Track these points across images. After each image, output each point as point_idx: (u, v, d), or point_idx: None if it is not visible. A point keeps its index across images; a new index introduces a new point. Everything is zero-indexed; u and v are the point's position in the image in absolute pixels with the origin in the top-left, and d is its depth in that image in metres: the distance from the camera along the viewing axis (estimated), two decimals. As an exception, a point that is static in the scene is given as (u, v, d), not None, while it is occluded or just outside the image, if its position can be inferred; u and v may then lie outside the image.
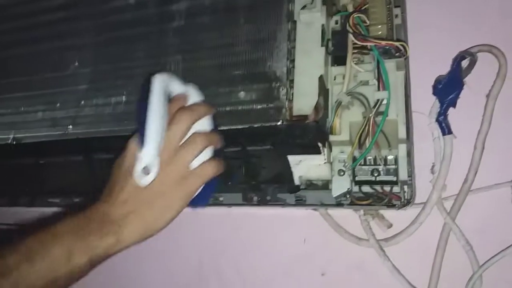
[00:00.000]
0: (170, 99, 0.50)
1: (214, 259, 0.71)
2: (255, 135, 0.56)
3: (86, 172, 0.66)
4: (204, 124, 0.50)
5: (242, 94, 0.58)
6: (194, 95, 0.51)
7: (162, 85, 0.48)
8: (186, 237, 0.73)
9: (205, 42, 0.61)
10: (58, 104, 0.66)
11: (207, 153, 0.49)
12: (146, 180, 0.46)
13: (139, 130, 0.46)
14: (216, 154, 0.51)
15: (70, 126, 0.64)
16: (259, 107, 0.56)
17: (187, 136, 0.48)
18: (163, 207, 0.47)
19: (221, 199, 0.65)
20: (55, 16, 0.73)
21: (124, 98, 0.63)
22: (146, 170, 0.45)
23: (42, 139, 0.65)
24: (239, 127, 0.56)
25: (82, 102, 0.65)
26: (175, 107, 0.49)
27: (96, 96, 0.65)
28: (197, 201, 0.49)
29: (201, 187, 0.49)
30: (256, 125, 0.55)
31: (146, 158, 0.45)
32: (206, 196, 0.50)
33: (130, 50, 0.65)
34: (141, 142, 0.46)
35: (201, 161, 0.48)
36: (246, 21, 0.59)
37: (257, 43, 0.58)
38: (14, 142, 0.68)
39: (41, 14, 0.74)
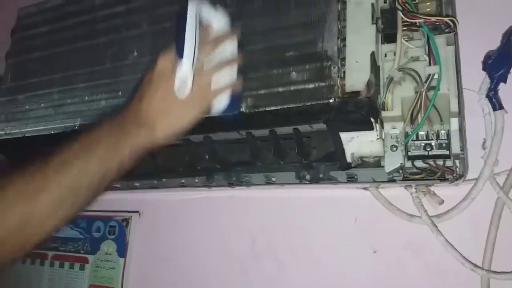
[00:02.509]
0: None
1: (267, 238, 0.73)
2: (308, 113, 0.58)
3: (147, 156, 0.70)
4: (228, 45, 0.57)
5: (294, 74, 0.60)
6: (222, 20, 0.58)
7: (196, 9, 0.55)
8: (239, 218, 0.76)
9: (257, 26, 0.64)
10: (120, 93, 0.71)
11: (228, 72, 0.57)
12: (184, 92, 0.53)
13: (177, 48, 0.53)
14: (241, 70, 0.58)
15: (132, 112, 0.68)
16: (311, 86, 0.58)
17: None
18: (187, 111, 0.55)
19: (273, 179, 0.68)
20: (113, 10, 0.78)
21: (182, 83, 0.66)
22: (183, 83, 0.53)
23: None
24: (292, 106, 0.58)
25: (143, 89, 0.69)
26: (205, 32, 0.56)
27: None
28: (226, 112, 0.58)
29: (227, 99, 0.57)
30: (308, 104, 0.57)
31: (183, 72, 0.53)
32: (231, 108, 0.58)
33: (186, 38, 0.68)
34: (179, 57, 0.53)
35: (223, 78, 0.56)
36: (296, 5, 0.61)
37: (307, 25, 0.60)
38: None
39: (99, 9, 0.79)
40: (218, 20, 0.57)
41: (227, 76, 0.56)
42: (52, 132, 0.76)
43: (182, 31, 0.53)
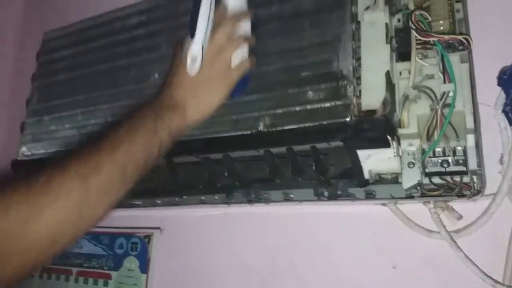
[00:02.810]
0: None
1: (286, 254, 0.74)
2: (325, 131, 0.59)
3: (168, 175, 0.72)
4: (243, 26, 0.61)
5: (310, 94, 0.61)
6: (238, 3, 0.61)
7: None
8: (259, 235, 0.77)
9: (273, 47, 0.65)
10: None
11: (244, 50, 0.61)
12: (194, 68, 0.57)
13: (190, 29, 0.57)
14: (251, 52, 0.62)
15: (154, 132, 0.71)
16: (327, 105, 0.59)
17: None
18: (213, 92, 0.59)
19: (291, 195, 0.69)
20: (133, 33, 0.81)
21: (201, 104, 0.68)
22: (193, 61, 0.56)
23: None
24: (309, 125, 0.60)
25: (164, 110, 0.71)
26: (220, 14, 0.59)
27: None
28: (235, 92, 0.61)
29: (240, 79, 0.61)
30: (325, 122, 0.59)
31: (194, 51, 0.56)
32: (242, 87, 0.62)
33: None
34: (191, 37, 0.56)
35: (240, 57, 0.60)
36: (311, 25, 0.63)
37: (322, 45, 0.61)
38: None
39: (120, 33, 0.82)
40: (232, 3, 0.60)
41: (243, 56, 0.60)
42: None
43: (196, 11, 0.56)
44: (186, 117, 0.58)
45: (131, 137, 0.52)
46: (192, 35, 0.56)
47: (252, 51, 0.62)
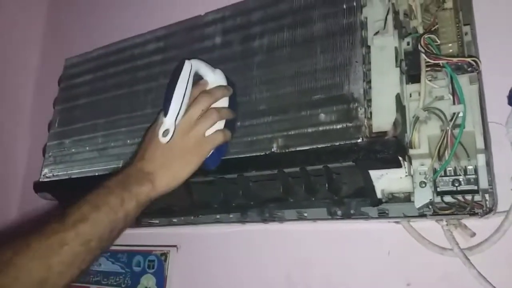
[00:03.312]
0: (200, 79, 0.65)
1: (301, 271, 0.74)
2: (337, 152, 0.60)
3: (184, 194, 0.74)
4: (222, 102, 0.64)
5: (322, 116, 0.63)
6: (219, 79, 0.65)
7: (190, 69, 0.62)
8: (273, 252, 0.78)
9: (286, 71, 0.68)
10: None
11: (220, 124, 0.63)
12: (165, 139, 0.60)
13: (165, 103, 0.60)
14: (229, 126, 0.65)
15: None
16: (339, 127, 0.61)
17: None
18: (183, 163, 0.61)
19: (305, 214, 0.70)
20: (151, 59, 0.84)
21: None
22: (165, 133, 0.60)
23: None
24: (322, 146, 0.61)
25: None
26: (200, 90, 0.63)
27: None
28: (210, 162, 0.64)
29: (212, 151, 0.63)
30: (337, 143, 0.60)
31: (166, 123, 0.60)
32: (217, 158, 0.65)
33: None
34: (165, 112, 0.60)
35: (214, 129, 0.63)
36: (322, 50, 0.65)
37: (334, 69, 0.64)
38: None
39: (138, 58, 0.86)
40: (214, 78, 0.64)
41: (218, 129, 0.63)
42: (96, 174, 0.81)
43: (171, 89, 0.60)
44: (155, 188, 0.60)
45: (95, 213, 0.54)
46: (166, 112, 0.60)
47: (229, 124, 0.65)
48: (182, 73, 0.61)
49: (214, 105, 0.64)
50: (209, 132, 0.62)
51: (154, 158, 0.60)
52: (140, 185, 0.58)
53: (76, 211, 0.54)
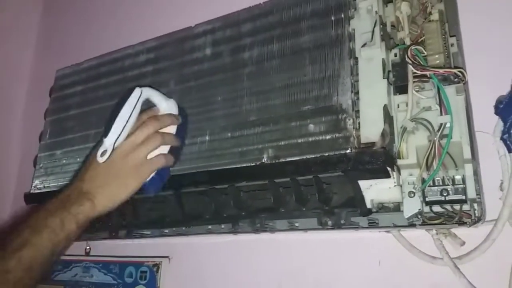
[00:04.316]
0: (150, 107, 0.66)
1: (293, 280, 0.75)
2: (326, 163, 0.61)
3: (176, 205, 0.74)
4: (169, 129, 0.66)
5: (311, 126, 0.63)
6: (171, 108, 0.67)
7: (140, 95, 0.63)
8: (265, 261, 0.78)
9: (275, 83, 0.68)
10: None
11: (163, 149, 0.64)
12: (102, 160, 0.61)
13: (107, 124, 0.62)
14: (174, 153, 0.66)
15: (162, 165, 0.73)
16: (328, 137, 0.62)
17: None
18: (121, 185, 0.62)
19: (296, 224, 0.70)
20: (142, 70, 0.84)
21: (207, 137, 0.72)
22: (103, 153, 0.61)
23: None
24: (311, 156, 0.62)
25: (171, 144, 0.74)
26: (149, 115, 0.65)
27: (183, 137, 0.73)
28: (149, 186, 0.64)
29: (153, 175, 0.64)
30: (326, 154, 0.61)
31: (105, 144, 0.61)
32: (157, 183, 0.65)
33: (210, 95, 0.74)
34: (105, 133, 0.62)
35: (157, 153, 0.63)
36: (311, 61, 0.66)
37: (322, 80, 0.64)
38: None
39: (129, 69, 0.86)
40: (166, 107, 0.66)
41: (161, 154, 0.64)
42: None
43: (117, 111, 0.62)
44: (95, 207, 0.61)
45: (36, 238, 0.56)
46: (105, 133, 0.62)
47: (174, 151, 0.66)
48: (130, 98, 0.62)
49: (161, 132, 0.65)
50: (151, 156, 0.63)
51: (92, 178, 0.62)
52: (79, 205, 0.60)
53: (18, 237, 0.55)
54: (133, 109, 0.62)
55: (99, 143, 0.63)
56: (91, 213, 0.60)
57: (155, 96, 0.66)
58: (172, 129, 0.66)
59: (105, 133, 0.62)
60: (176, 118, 0.67)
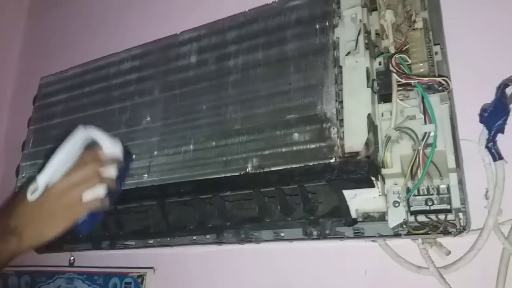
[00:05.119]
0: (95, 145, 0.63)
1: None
2: (311, 172, 0.60)
3: (159, 216, 0.73)
4: (107, 171, 0.62)
5: (296, 136, 0.63)
6: (114, 149, 0.64)
7: (83, 135, 0.62)
8: (250, 271, 0.77)
9: (260, 91, 0.68)
10: (133, 156, 0.74)
11: (100, 191, 0.61)
12: (31, 198, 0.59)
13: (45, 162, 0.60)
14: (110, 196, 0.63)
15: (145, 175, 0.73)
16: (312, 146, 0.61)
17: None
18: (51, 223, 0.60)
19: (282, 234, 0.69)
20: (126, 78, 0.83)
21: (191, 146, 0.71)
22: (34, 191, 0.59)
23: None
24: (295, 166, 0.61)
25: (155, 153, 0.73)
26: (91, 156, 0.62)
27: (167, 146, 0.73)
28: (80, 227, 0.62)
29: (86, 216, 0.61)
30: (311, 163, 0.60)
31: (37, 182, 0.59)
32: (88, 225, 0.63)
33: (195, 103, 0.73)
34: (40, 170, 0.59)
35: (93, 195, 0.60)
36: (296, 70, 0.65)
37: (307, 88, 0.64)
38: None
39: (114, 77, 0.85)
40: (110, 147, 0.64)
41: (97, 195, 0.61)
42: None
43: (56, 149, 0.60)
44: (22, 243, 0.59)
45: None
46: (41, 169, 0.60)
47: (111, 195, 0.64)
48: (74, 136, 0.61)
49: (101, 173, 0.63)
50: (88, 197, 0.61)
51: (20, 215, 0.60)
52: (5, 241, 0.58)
53: None
54: (74, 148, 0.61)
55: (32, 178, 0.61)
56: (18, 249, 0.58)
57: (100, 136, 0.64)
58: (112, 171, 0.63)
59: (40, 170, 0.60)
60: (118, 161, 0.65)
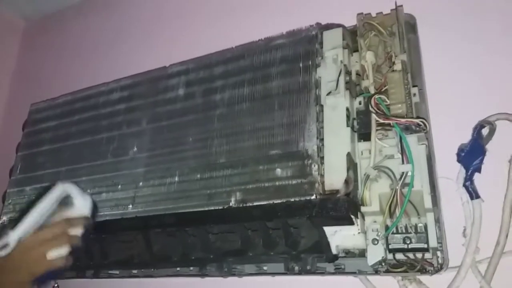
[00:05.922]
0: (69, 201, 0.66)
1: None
2: (292, 208, 0.61)
3: (143, 246, 0.73)
4: (74, 230, 0.65)
5: (278, 171, 0.64)
6: (85, 205, 0.66)
7: (60, 192, 0.64)
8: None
9: (245, 126, 0.69)
10: (119, 186, 0.76)
11: (64, 250, 0.63)
12: (1, 253, 0.61)
13: (20, 217, 0.63)
14: (74, 252, 0.65)
15: (130, 206, 0.73)
16: (294, 182, 0.62)
17: None
18: (15, 276, 0.62)
19: (265, 268, 0.70)
20: (115, 108, 0.85)
21: (176, 178, 0.72)
22: (5, 247, 0.61)
23: (106, 218, 0.74)
24: (278, 201, 0.62)
25: (140, 184, 0.74)
26: (63, 216, 0.64)
27: (152, 177, 0.74)
28: (39, 281, 0.64)
29: (47, 271, 0.63)
30: (292, 199, 0.61)
31: (9, 238, 0.61)
32: (46, 280, 0.65)
33: (181, 135, 0.75)
34: (13, 226, 0.62)
35: (57, 253, 0.63)
36: (280, 107, 0.67)
37: (290, 125, 0.65)
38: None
39: (103, 107, 0.86)
40: (82, 203, 0.66)
41: (61, 254, 0.63)
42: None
43: (29, 208, 0.63)
44: None
45: None
46: (14, 226, 0.62)
47: (74, 252, 0.66)
48: (50, 194, 0.64)
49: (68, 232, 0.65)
50: (52, 254, 0.63)
51: None
52: None
53: None
54: (50, 205, 0.63)
55: (4, 232, 0.63)
56: None
57: (74, 192, 0.66)
58: (79, 231, 0.66)
59: (14, 225, 0.62)
60: (86, 218, 0.67)
